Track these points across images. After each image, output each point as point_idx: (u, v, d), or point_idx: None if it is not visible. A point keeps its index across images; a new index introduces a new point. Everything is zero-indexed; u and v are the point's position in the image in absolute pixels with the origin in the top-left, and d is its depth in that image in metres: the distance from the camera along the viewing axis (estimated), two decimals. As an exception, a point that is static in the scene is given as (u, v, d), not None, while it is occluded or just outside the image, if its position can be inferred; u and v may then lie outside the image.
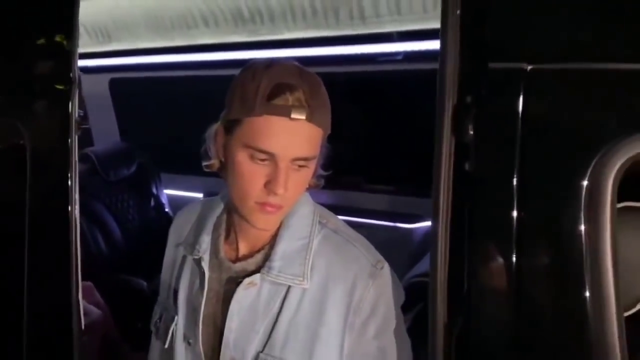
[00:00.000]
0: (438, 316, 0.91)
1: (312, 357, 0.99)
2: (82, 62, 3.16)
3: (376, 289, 1.00)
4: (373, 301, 1.00)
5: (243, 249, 1.08)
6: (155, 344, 1.22)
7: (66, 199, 1.09)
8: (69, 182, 1.09)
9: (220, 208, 1.14)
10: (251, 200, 0.96)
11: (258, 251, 1.06)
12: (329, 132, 0.99)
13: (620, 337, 0.79)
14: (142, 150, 3.35)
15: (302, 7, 2.25)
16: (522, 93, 0.82)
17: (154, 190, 3.38)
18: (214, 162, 1.04)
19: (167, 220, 3.26)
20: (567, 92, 0.82)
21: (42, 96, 1.15)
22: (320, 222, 1.06)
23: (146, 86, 3.38)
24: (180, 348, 1.12)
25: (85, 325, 2.16)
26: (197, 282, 1.10)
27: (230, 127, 0.97)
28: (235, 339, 1.04)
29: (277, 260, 1.02)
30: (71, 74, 1.09)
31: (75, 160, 1.09)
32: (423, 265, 1.96)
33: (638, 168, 0.81)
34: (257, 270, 1.03)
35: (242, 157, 0.95)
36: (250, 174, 0.95)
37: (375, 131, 2.84)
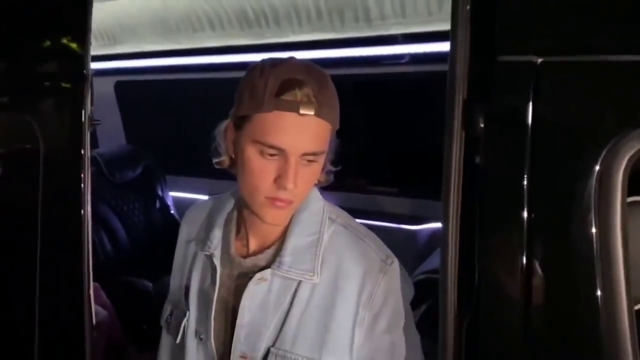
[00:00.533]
0: (448, 312, 0.91)
1: (322, 352, 1.00)
2: (88, 65, 3.20)
3: (386, 284, 1.01)
4: (383, 296, 1.00)
5: (254, 245, 1.09)
6: (166, 340, 1.23)
7: (79, 195, 1.10)
8: (82, 177, 1.10)
9: (231, 204, 1.15)
10: (261, 195, 0.97)
11: (269, 247, 1.07)
12: (337, 127, 1.00)
13: (631, 332, 0.79)
14: (148, 152, 3.36)
15: (307, 10, 2.26)
16: (532, 86, 0.83)
17: (160, 192, 3.38)
18: (225, 159, 1.05)
19: (172, 222, 3.28)
20: (577, 84, 0.83)
21: (55, 94, 1.16)
22: (330, 218, 1.07)
23: (152, 89, 3.40)
24: (191, 343, 1.13)
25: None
26: (209, 277, 1.11)
27: (240, 123, 0.98)
28: (246, 334, 1.04)
29: (287, 256, 1.03)
30: (85, 71, 1.10)
31: (88, 157, 1.10)
32: (432, 262, 1.96)
33: None
34: (267, 266, 1.04)
35: (251, 152, 0.96)
36: (260, 170, 0.96)
37: (380, 133, 2.85)
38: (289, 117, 0.92)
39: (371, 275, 1.01)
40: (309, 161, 0.96)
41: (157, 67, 3.18)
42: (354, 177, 2.88)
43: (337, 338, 1.00)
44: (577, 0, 0.86)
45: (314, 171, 0.99)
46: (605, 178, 0.78)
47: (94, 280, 2.41)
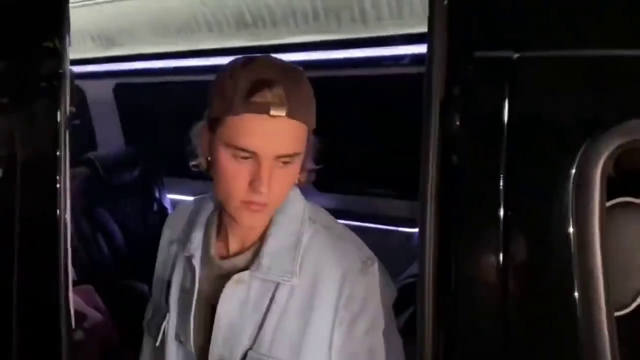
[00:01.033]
0: (426, 314, 0.89)
1: (300, 354, 0.98)
2: (86, 68, 3.20)
3: (366, 286, 0.99)
4: (363, 297, 0.99)
5: (233, 247, 1.08)
6: (147, 343, 1.22)
7: (55, 197, 1.09)
8: (58, 178, 1.08)
9: (212, 206, 1.14)
10: (236, 199, 0.96)
11: (248, 248, 1.05)
12: (313, 127, 0.98)
13: (610, 333, 0.77)
14: (146, 154, 3.35)
15: (304, 11, 2.25)
16: (508, 82, 0.81)
17: (157, 195, 3.37)
18: (201, 161, 1.03)
19: (170, 225, 3.26)
20: (554, 80, 0.80)
21: (31, 93, 1.14)
22: (310, 219, 1.05)
23: (150, 91, 3.39)
24: (171, 346, 1.12)
25: (85, 328, 2.16)
26: (189, 279, 1.09)
27: (213, 125, 0.96)
28: (224, 337, 1.03)
29: (266, 257, 1.01)
30: (61, 70, 1.08)
31: (65, 158, 1.08)
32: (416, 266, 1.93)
33: (632, 159, 0.79)
34: (246, 268, 1.03)
35: (225, 156, 0.94)
36: (234, 173, 0.94)
37: (376, 135, 2.83)
38: (259, 119, 0.90)
39: (351, 276, 0.99)
40: (285, 163, 0.94)
41: (155, 69, 3.17)
42: (351, 179, 2.86)
43: (316, 340, 0.98)
44: None
45: (291, 172, 0.97)
46: (583, 176, 0.76)
47: (90, 284, 2.42)
